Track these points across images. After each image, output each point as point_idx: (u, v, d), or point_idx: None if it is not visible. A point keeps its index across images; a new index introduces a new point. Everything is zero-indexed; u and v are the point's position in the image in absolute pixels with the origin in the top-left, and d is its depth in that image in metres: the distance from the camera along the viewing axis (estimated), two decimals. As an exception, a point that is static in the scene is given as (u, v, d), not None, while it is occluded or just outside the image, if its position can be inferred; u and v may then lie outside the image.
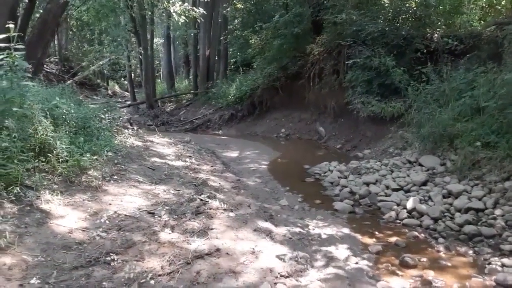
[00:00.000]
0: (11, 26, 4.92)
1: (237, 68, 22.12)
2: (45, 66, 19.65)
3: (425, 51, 11.56)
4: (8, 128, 4.51)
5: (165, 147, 9.58)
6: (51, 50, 24.02)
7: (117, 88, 33.17)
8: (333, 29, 13.95)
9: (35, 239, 3.76)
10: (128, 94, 26.50)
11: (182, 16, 13.07)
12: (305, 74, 14.99)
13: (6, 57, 4.96)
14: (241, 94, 17.41)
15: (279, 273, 4.13)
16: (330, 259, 4.67)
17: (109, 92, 29.43)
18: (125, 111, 20.90)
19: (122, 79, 34.14)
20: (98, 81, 29.32)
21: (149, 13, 19.33)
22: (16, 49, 5.07)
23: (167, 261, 3.99)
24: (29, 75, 5.45)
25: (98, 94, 9.63)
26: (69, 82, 18.01)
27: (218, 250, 4.43)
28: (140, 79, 24.91)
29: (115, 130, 8.51)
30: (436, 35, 12.17)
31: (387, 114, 10.77)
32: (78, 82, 20.97)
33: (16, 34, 5.05)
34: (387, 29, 12.37)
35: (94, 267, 3.60)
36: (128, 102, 23.31)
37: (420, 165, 8.11)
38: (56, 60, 25.38)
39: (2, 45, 4.99)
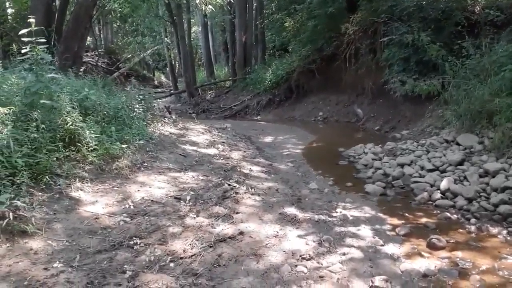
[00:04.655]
0: (32, 20, 5.13)
1: (275, 52, 22.02)
2: (91, 59, 20.32)
3: (465, 24, 10.97)
4: (36, 119, 4.75)
5: (199, 134, 9.72)
6: (98, 44, 24.70)
7: (163, 78, 33.86)
8: (367, 7, 13.63)
9: (63, 225, 3.97)
10: (175, 83, 26.93)
11: (209, 6, 13.09)
12: (341, 55, 14.71)
13: (30, 51, 5.18)
14: (277, 78, 17.39)
15: (301, 256, 4.15)
16: (354, 242, 4.62)
17: (156, 82, 30.13)
18: (168, 99, 21.46)
19: (167, 69, 34.91)
20: (144, 72, 30.02)
21: (184, 1, 19.48)
22: (39, 43, 5.29)
23: (190, 244, 4.11)
24: (53, 67, 5.66)
25: (130, 84, 9.78)
26: (115, 74, 18.56)
27: (241, 233, 4.51)
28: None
29: (150, 119, 8.73)
30: (477, 6, 11.54)
31: (422, 92, 10.40)
32: (124, 74, 21.45)
33: (35, 28, 5.25)
34: (423, 2, 11.88)
35: (117, 250, 3.77)
36: (172, 92, 23.77)
37: (458, 144, 7.79)
38: (102, 53, 26.13)
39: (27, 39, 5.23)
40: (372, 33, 13.65)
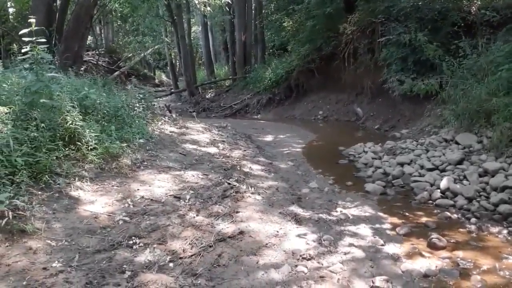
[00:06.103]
0: (33, 20, 5.12)
1: (275, 52, 22.06)
2: (92, 58, 20.29)
3: (462, 24, 11.06)
4: (36, 118, 4.74)
5: (199, 133, 9.71)
6: (99, 43, 24.63)
7: (164, 77, 33.85)
8: (365, 7, 13.75)
9: (62, 224, 3.96)
10: (176, 82, 26.85)
11: (208, 7, 13.09)
12: (340, 54, 14.78)
13: (31, 51, 5.17)
14: (277, 77, 17.46)
15: (301, 255, 4.14)
16: (355, 241, 4.61)
17: (157, 81, 30.12)
18: (168, 98, 21.46)
19: (168, 68, 34.88)
20: (145, 71, 30.01)
21: (184, 1, 19.49)
22: (39, 43, 5.28)
23: (189, 244, 4.09)
24: (54, 67, 5.65)
25: (131, 83, 9.79)
26: (116, 73, 18.55)
27: (241, 233, 4.49)
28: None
29: (150, 117, 8.72)
30: (473, 7, 11.60)
31: (420, 92, 10.48)
32: (125, 73, 21.42)
33: (35, 28, 5.23)
34: (420, 3, 12.00)
35: (117, 250, 3.75)
36: (172, 90, 23.77)
37: (457, 143, 7.80)
38: (103, 52, 26.03)
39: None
40: (370, 33, 13.73)
